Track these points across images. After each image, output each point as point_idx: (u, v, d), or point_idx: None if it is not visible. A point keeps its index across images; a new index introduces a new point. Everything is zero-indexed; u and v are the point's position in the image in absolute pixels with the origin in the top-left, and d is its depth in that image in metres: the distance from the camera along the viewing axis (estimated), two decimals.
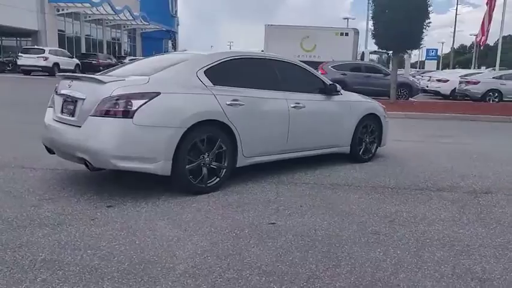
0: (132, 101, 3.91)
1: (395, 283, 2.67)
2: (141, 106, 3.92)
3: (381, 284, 2.65)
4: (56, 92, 4.63)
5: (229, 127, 4.51)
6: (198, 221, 3.62)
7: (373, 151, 6.42)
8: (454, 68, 57.56)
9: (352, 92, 6.86)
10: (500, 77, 19.03)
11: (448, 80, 20.63)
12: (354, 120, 6.03)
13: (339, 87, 5.84)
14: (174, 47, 32.49)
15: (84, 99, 4.10)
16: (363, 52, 27.56)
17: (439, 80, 20.97)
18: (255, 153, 4.85)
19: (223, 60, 4.73)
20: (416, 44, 15.13)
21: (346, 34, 21.67)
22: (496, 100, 18.08)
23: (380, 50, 23.95)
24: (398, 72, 16.77)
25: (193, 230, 3.44)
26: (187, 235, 3.32)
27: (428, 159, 6.53)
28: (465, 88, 18.86)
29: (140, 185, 4.51)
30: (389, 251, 3.14)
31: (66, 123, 4.31)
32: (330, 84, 5.77)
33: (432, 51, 48.38)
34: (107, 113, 3.91)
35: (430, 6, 14.56)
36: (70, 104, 4.33)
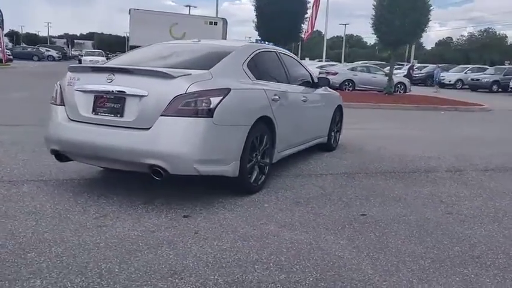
0: (211, 99, 3.57)
1: None
2: (218, 104, 3.60)
3: None
4: (77, 88, 3.83)
5: (273, 123, 4.43)
6: (301, 221, 3.55)
7: (338, 140, 6.94)
8: None
9: None
10: (352, 69, 21.90)
11: None
12: (331, 111, 6.43)
13: (330, 80, 6.15)
14: (2, 27, 27.85)
15: (144, 96, 3.54)
16: None
17: None
18: (282, 147, 4.84)
19: (254, 54, 4.58)
20: (296, 36, 16.33)
21: (215, 23, 21.88)
22: (350, 89, 20.71)
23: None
24: None
25: (311, 230, 3.38)
26: (314, 236, 3.26)
27: (376, 145, 7.27)
28: None
29: (169, 188, 4.13)
30: (485, 228, 3.62)
31: (110, 125, 3.66)
32: (319, 77, 6.03)
33: (264, 43, 52.34)
34: (184, 113, 3.48)
35: (308, 3, 15.87)
36: (112, 101, 3.68)
